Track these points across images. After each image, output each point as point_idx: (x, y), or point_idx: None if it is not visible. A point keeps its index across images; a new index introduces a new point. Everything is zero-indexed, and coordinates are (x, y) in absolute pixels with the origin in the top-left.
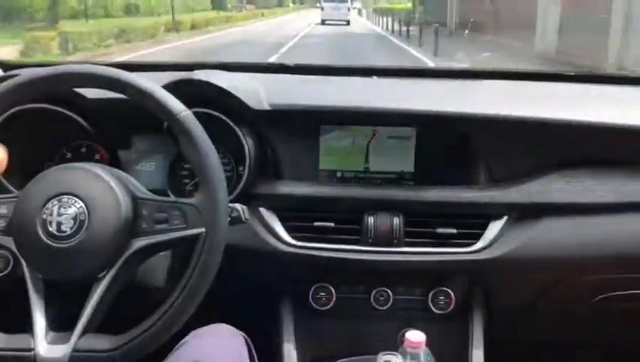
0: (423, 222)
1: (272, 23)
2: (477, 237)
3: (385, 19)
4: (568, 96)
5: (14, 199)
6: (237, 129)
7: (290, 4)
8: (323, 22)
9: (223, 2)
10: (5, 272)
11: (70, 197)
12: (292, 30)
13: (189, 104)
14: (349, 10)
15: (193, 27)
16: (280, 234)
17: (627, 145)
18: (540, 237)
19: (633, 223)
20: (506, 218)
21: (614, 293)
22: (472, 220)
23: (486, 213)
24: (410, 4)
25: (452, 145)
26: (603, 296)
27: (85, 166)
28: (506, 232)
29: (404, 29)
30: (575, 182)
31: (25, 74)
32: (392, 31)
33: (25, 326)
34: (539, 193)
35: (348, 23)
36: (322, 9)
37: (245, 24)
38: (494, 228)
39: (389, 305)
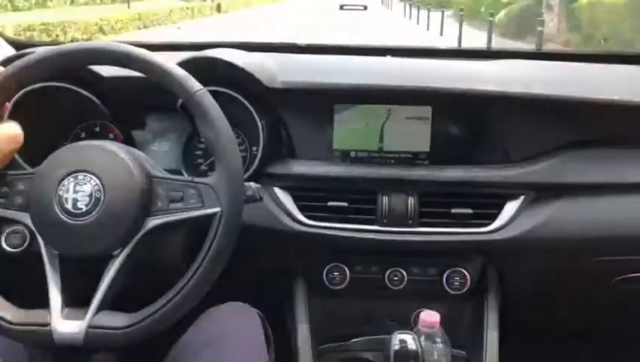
0: (438, 203)
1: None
2: (493, 217)
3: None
4: (586, 76)
5: (31, 175)
6: (251, 107)
7: None
8: (341, 7)
9: None
10: (21, 248)
11: (86, 174)
12: None
13: (203, 82)
14: None
15: None
16: (294, 214)
17: None
18: (557, 217)
19: None
20: (522, 197)
21: (632, 275)
22: (488, 200)
23: (502, 193)
24: None
25: (468, 125)
26: (620, 277)
27: (101, 143)
28: (523, 212)
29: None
30: (591, 161)
31: (42, 50)
32: None
33: (41, 302)
34: (555, 173)
35: (365, 8)
36: None
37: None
38: (510, 207)
39: (404, 285)
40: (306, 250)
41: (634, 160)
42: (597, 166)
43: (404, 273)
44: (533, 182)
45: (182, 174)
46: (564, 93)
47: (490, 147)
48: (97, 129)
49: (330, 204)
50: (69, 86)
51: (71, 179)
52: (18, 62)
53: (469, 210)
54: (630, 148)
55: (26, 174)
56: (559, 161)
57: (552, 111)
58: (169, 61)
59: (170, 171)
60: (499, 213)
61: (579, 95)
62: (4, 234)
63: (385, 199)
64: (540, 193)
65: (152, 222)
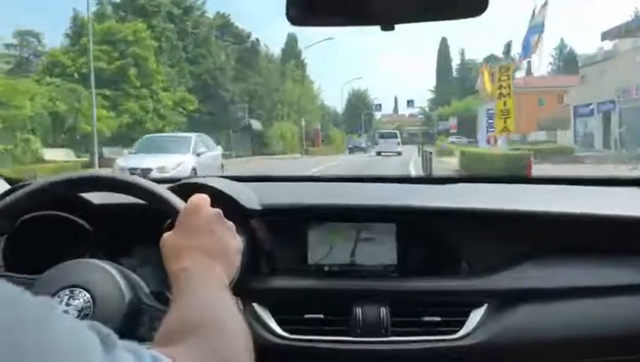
0: (408, 312)
1: None
2: (460, 324)
3: None
4: (540, 194)
5: (32, 281)
6: None
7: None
8: (378, 153)
9: None
10: None
11: (81, 290)
12: None
13: None
14: (398, 144)
15: None
16: (272, 327)
17: (595, 234)
18: (520, 323)
19: (606, 306)
20: (486, 305)
21: None
22: (455, 308)
23: (467, 301)
24: None
25: (432, 239)
26: None
27: (102, 264)
28: (488, 319)
29: None
30: (549, 268)
31: (39, 181)
32: None
33: None
34: (515, 280)
35: (399, 153)
36: (377, 143)
37: None
38: (476, 315)
39: None
40: None
41: (587, 267)
42: (555, 272)
43: None
44: (495, 289)
45: (167, 296)
46: (520, 208)
47: (454, 259)
48: (87, 256)
49: (306, 316)
50: (60, 213)
51: (67, 292)
52: (11, 196)
53: (438, 318)
54: (586, 256)
55: (28, 278)
56: (519, 270)
57: (511, 224)
58: (159, 186)
59: (156, 294)
60: (466, 321)
61: (534, 209)
62: None
63: (358, 310)
64: (503, 300)
65: None
